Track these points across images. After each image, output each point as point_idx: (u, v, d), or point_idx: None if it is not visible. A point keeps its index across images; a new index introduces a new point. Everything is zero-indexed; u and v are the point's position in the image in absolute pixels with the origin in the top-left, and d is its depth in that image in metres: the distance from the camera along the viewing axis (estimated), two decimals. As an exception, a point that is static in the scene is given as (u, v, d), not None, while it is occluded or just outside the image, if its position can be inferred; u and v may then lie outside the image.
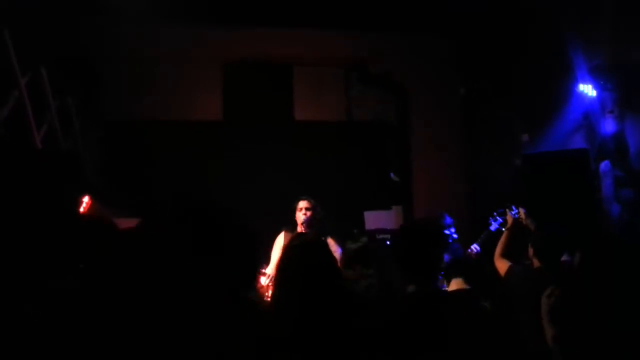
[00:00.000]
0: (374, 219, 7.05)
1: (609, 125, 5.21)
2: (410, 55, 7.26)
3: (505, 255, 3.79)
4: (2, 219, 3.46)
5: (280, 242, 4.89)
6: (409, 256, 2.31)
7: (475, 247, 5.01)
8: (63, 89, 5.42)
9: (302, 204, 4.87)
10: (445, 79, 7.33)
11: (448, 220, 5.21)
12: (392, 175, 7.41)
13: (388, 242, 6.42)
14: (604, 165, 5.16)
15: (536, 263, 3.40)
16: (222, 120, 7.09)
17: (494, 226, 4.95)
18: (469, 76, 7.05)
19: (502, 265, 3.71)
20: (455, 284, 3.21)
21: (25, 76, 4.50)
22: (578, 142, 5.51)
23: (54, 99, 5.12)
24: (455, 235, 5.26)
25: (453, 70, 7.32)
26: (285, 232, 4.91)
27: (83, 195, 4.79)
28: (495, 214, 4.91)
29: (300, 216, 4.84)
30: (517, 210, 4.19)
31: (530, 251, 3.46)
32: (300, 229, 4.84)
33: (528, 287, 3.25)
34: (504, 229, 4.39)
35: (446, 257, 5.23)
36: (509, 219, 4.15)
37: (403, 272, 2.38)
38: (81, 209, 4.83)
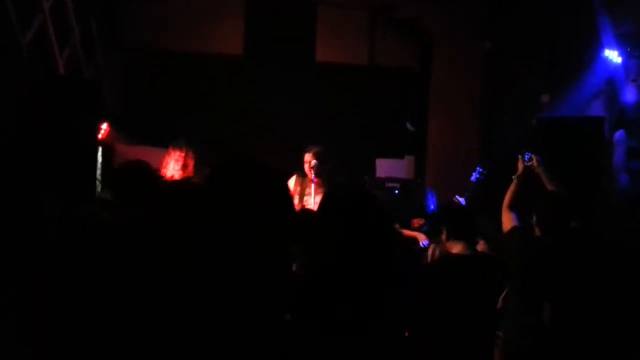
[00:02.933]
0: (385, 167, 7.11)
1: (630, 94, 5.14)
2: (438, 3, 7.10)
3: (513, 206, 3.57)
4: (23, 142, 3.62)
5: (290, 184, 5.00)
6: None
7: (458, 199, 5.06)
8: (86, 13, 5.44)
9: (307, 157, 4.89)
10: (471, 31, 7.16)
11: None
12: (407, 124, 7.41)
13: (397, 192, 6.54)
14: (619, 134, 5.13)
15: (538, 231, 3.27)
16: (242, 54, 7.09)
17: (473, 176, 4.97)
18: (495, 30, 6.89)
19: (506, 221, 3.49)
20: (456, 248, 3.06)
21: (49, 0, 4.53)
22: (598, 108, 5.46)
23: (77, 23, 5.14)
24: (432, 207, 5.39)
25: (480, 22, 7.15)
26: (297, 176, 5.00)
27: (102, 122, 4.91)
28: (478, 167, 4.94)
29: (306, 168, 4.90)
30: (529, 156, 3.89)
31: (534, 218, 3.29)
32: (310, 176, 4.92)
33: (526, 257, 3.17)
34: (482, 178, 4.34)
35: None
36: (520, 165, 3.86)
37: None
38: (99, 136, 4.97)
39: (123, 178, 2.86)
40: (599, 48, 5.19)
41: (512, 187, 3.72)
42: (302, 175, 4.97)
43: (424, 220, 5.53)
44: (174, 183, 3.29)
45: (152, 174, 3.05)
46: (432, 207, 5.68)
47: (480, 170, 5.17)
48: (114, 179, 2.86)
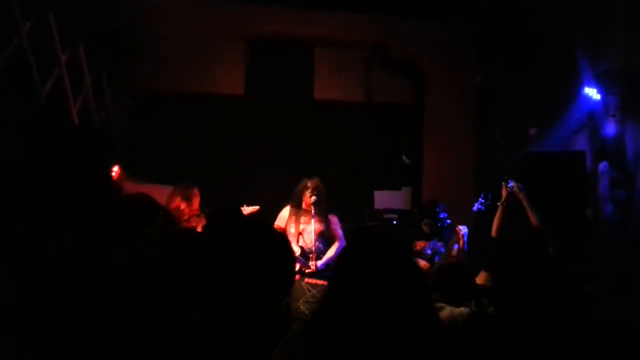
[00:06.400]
0: (383, 199, 7.36)
1: (610, 128, 5.43)
2: (430, 42, 7.42)
3: (499, 232, 3.82)
4: (47, 190, 3.89)
5: (284, 214, 5.17)
6: None
7: (462, 229, 5.27)
8: (97, 62, 5.76)
9: (311, 183, 5.10)
10: (462, 67, 7.49)
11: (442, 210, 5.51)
12: (403, 157, 7.69)
13: (395, 222, 6.78)
14: (603, 165, 5.40)
15: None
16: (244, 95, 7.37)
17: (475, 206, 5.18)
18: (486, 65, 7.21)
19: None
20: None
21: (64, 53, 4.86)
22: (581, 141, 5.74)
23: (89, 73, 5.46)
24: (448, 221, 5.57)
25: (471, 59, 7.48)
26: (291, 206, 5.19)
27: (113, 165, 5.19)
28: (482, 195, 5.12)
29: (307, 196, 5.06)
30: (512, 184, 4.14)
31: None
32: (305, 206, 5.10)
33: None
34: (483, 208, 4.57)
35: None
36: (504, 192, 4.10)
37: None
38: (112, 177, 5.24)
39: (126, 215, 3.00)
40: (580, 86, 5.50)
41: (497, 214, 3.95)
42: (296, 206, 5.15)
43: (425, 243, 5.76)
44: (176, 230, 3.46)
45: (154, 209, 3.16)
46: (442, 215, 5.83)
47: (482, 200, 5.36)
48: (118, 216, 2.98)
